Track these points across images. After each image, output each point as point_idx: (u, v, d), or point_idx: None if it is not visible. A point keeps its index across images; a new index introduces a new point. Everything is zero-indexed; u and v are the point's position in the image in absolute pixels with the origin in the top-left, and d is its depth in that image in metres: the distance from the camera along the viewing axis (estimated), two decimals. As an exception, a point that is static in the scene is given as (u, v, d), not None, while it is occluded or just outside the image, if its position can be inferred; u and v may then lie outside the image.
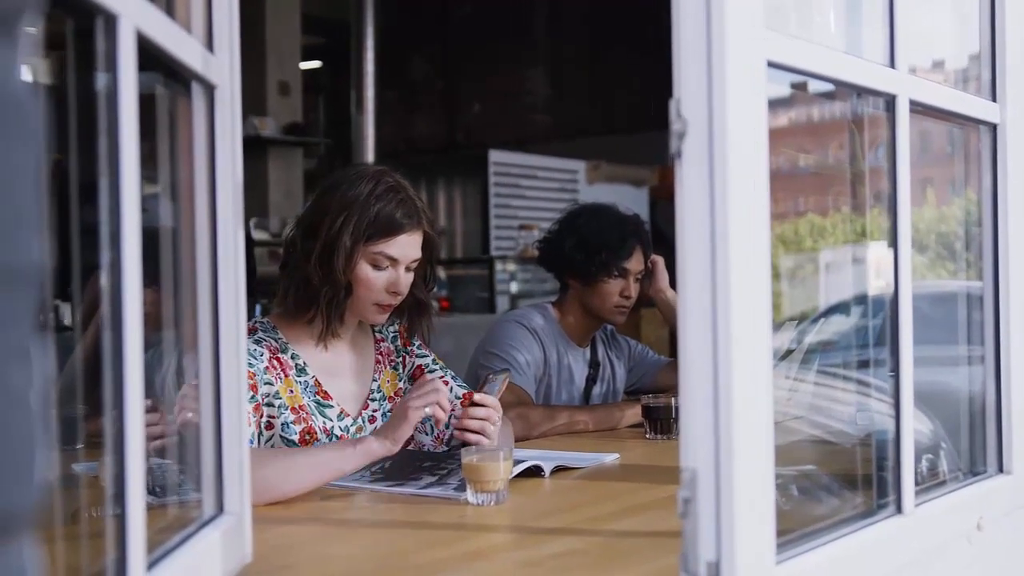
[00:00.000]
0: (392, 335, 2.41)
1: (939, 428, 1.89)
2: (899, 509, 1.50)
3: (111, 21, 1.01)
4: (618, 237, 2.96)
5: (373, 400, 2.32)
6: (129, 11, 1.02)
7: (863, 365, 1.96)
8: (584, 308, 3.03)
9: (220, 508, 1.37)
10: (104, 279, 1.02)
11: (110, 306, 1.01)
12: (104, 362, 1.03)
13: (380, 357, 2.36)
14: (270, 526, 1.68)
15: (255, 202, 7.19)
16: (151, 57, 1.13)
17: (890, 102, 1.51)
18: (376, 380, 2.33)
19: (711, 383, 1.17)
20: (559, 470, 2.17)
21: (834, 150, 2.05)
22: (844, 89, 1.61)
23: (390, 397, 2.34)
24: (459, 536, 1.71)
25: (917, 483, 1.53)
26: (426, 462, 2.13)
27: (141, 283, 1.03)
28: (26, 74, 0.57)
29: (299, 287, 2.19)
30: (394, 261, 2.19)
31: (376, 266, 2.18)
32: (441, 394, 2.01)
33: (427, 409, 1.98)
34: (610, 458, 2.34)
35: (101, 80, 1.03)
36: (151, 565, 1.09)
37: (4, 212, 0.54)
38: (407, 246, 2.20)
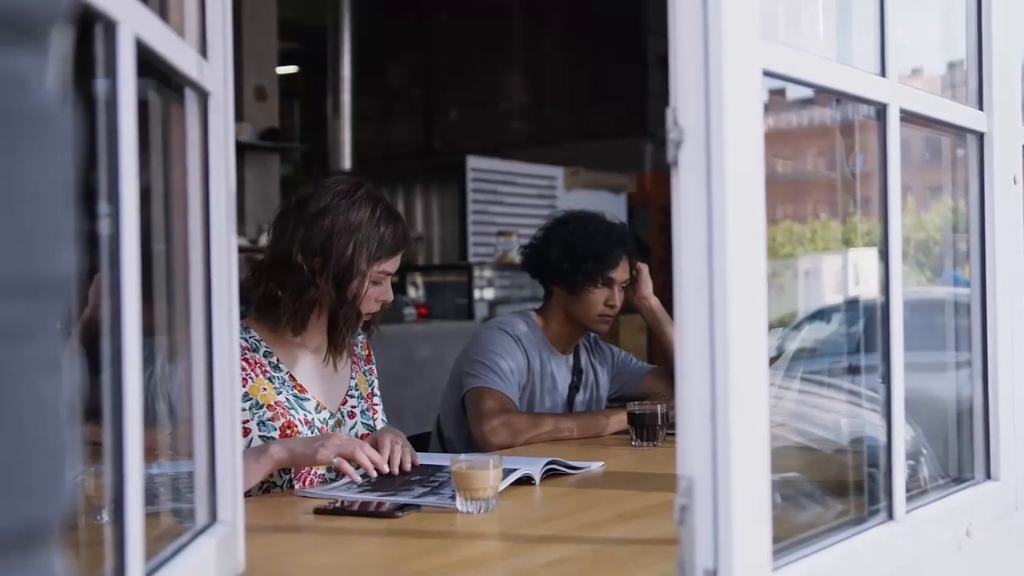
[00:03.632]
0: (360, 344, 2.51)
1: (920, 435, 1.90)
2: (891, 515, 1.50)
3: (111, 28, 1.00)
4: (606, 247, 2.96)
5: (352, 396, 2.41)
6: (128, 17, 1.02)
7: (848, 372, 1.97)
8: (568, 316, 3.03)
9: (213, 517, 1.36)
10: (102, 285, 1.01)
11: (110, 313, 1.00)
12: (89, 368, 1.02)
13: (355, 358, 2.47)
14: (262, 535, 1.67)
15: (232, 208, 7.15)
16: (146, 63, 1.12)
17: (881, 111, 1.52)
18: (354, 378, 2.43)
19: (708, 391, 1.17)
20: (551, 473, 2.18)
21: (812, 157, 2.07)
22: (828, 96, 1.62)
23: (366, 396, 2.44)
24: (450, 544, 1.71)
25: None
26: (415, 475, 2.12)
27: (140, 289, 1.02)
28: (56, 83, 0.56)
29: (308, 307, 2.25)
30: (388, 276, 2.32)
31: (375, 283, 2.29)
32: (360, 452, 2.09)
33: (334, 460, 2.07)
34: (596, 466, 2.34)
35: (99, 86, 1.02)
36: (148, 574, 1.08)
37: (37, 222, 0.53)
38: (399, 261, 2.34)
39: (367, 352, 2.52)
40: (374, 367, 2.52)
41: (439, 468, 2.15)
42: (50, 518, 0.55)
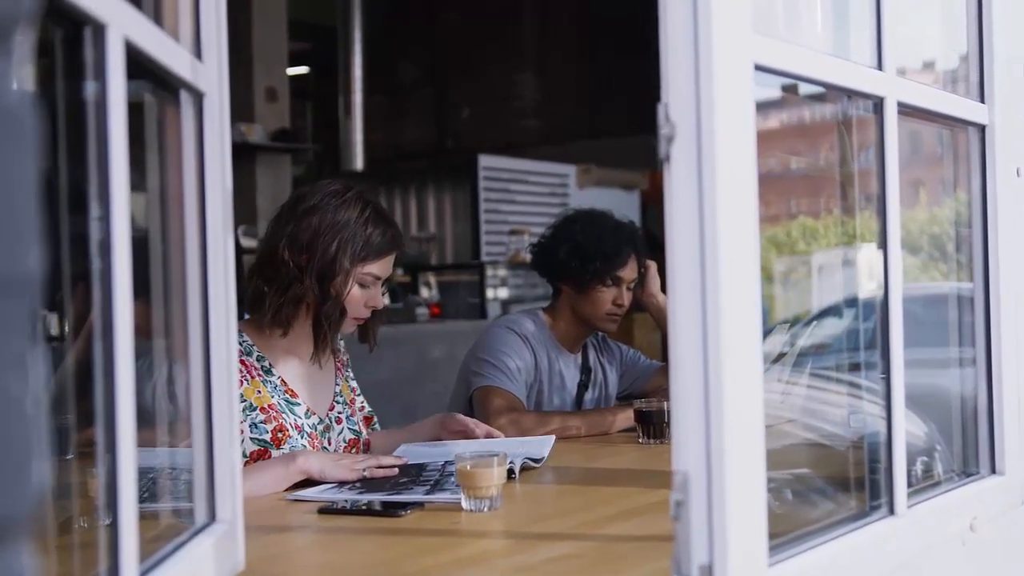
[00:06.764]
0: (342, 349, 2.54)
1: (933, 431, 1.89)
2: (892, 510, 1.50)
3: (99, 30, 1.00)
4: (614, 245, 2.95)
5: (338, 403, 2.43)
6: (117, 20, 1.02)
7: (855, 368, 1.97)
8: (576, 314, 3.02)
9: (212, 516, 1.36)
10: (94, 288, 1.02)
11: (101, 316, 1.00)
12: (95, 372, 1.02)
13: (339, 365, 2.50)
14: (262, 534, 1.68)
15: (243, 209, 7.15)
16: (139, 65, 1.12)
17: (878, 104, 1.52)
18: (338, 385, 2.46)
19: (702, 385, 1.17)
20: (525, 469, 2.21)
21: (825, 152, 2.06)
22: (832, 92, 1.61)
23: (349, 402, 2.47)
24: (453, 542, 1.71)
25: (911, 485, 1.53)
26: (403, 477, 2.11)
27: (131, 292, 1.03)
28: (21, 83, 0.57)
29: (292, 304, 2.27)
30: (377, 280, 2.32)
31: (362, 285, 2.31)
32: (384, 458, 2.20)
33: (366, 473, 2.12)
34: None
35: (89, 88, 1.03)
36: (144, 573, 1.08)
37: (2, 222, 0.54)
38: (389, 265, 2.36)
39: (346, 360, 2.54)
40: (350, 371, 2.55)
41: (423, 467, 2.17)
42: (16, 514, 0.55)
